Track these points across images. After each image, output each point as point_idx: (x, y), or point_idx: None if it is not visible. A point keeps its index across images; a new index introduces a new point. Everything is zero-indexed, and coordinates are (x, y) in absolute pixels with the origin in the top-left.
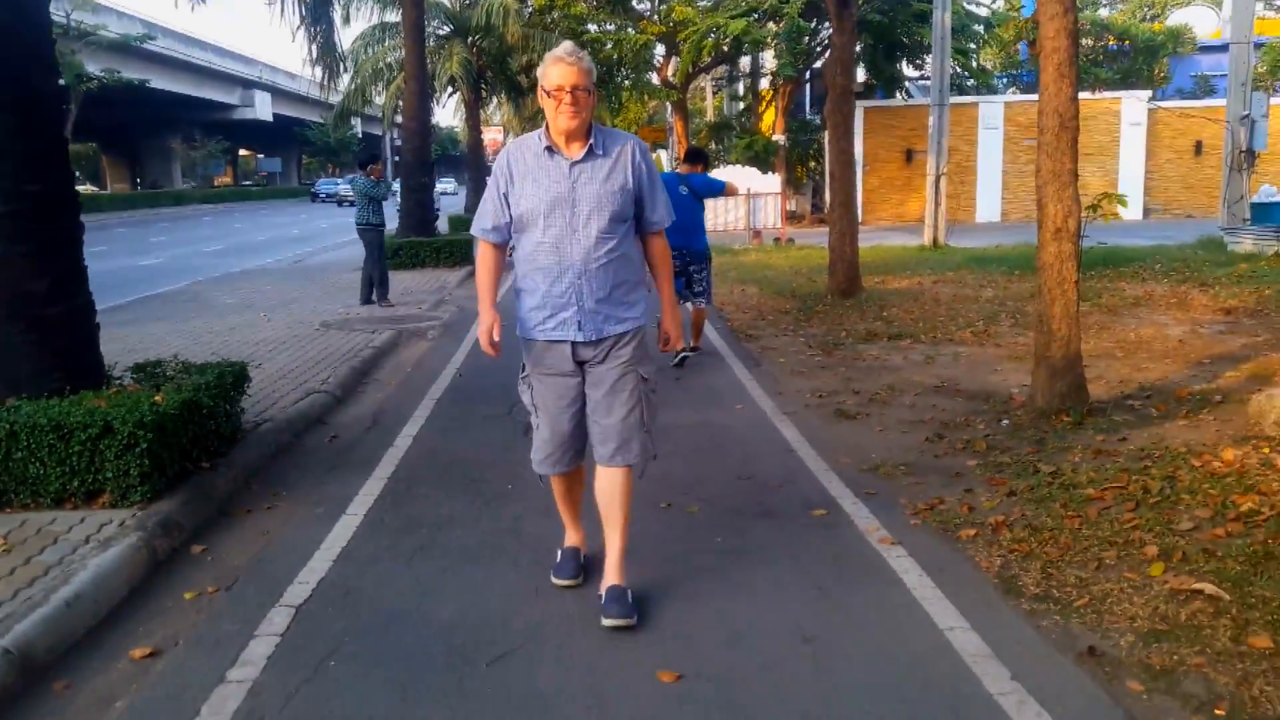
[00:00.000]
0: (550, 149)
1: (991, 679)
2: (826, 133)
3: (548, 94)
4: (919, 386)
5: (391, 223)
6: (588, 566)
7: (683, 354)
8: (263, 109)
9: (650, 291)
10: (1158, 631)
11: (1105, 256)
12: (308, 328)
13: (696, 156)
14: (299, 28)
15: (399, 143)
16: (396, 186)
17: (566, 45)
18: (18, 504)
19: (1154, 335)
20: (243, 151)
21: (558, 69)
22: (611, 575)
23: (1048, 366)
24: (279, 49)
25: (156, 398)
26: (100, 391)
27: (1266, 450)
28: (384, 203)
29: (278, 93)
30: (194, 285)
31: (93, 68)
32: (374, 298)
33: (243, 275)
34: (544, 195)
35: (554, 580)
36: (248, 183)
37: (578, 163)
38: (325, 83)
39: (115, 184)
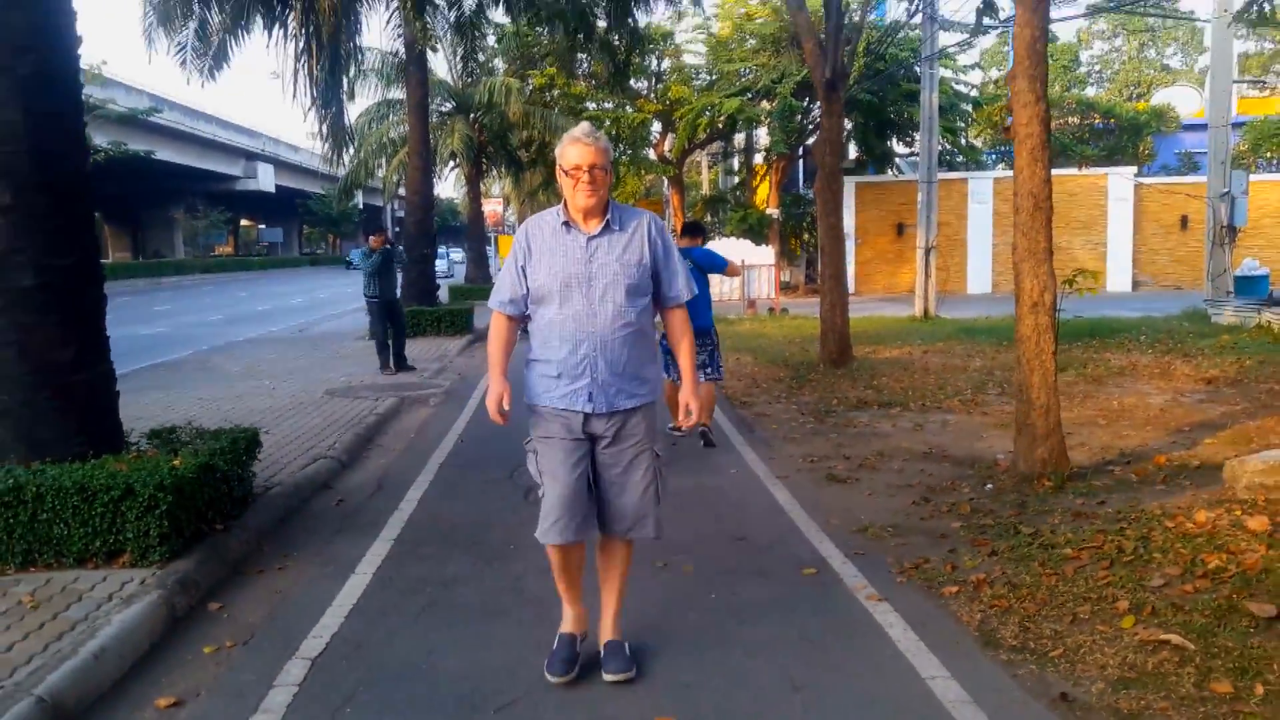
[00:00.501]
0: (567, 224)
1: None
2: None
3: (566, 173)
4: (907, 452)
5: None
6: (584, 655)
7: (701, 430)
8: (265, 180)
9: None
10: (1127, 679)
11: (1092, 327)
12: (313, 395)
13: (695, 230)
14: (310, 109)
15: (400, 214)
16: (356, 257)
17: (584, 126)
18: (42, 563)
19: (1136, 404)
20: (244, 221)
21: (575, 149)
22: (608, 631)
23: (1029, 434)
24: (282, 121)
25: (175, 461)
26: (120, 455)
27: (1238, 512)
28: (378, 273)
29: (280, 164)
30: (199, 354)
31: (100, 140)
32: (389, 364)
33: (247, 344)
34: (560, 270)
35: (547, 675)
36: (239, 252)
37: (594, 237)
38: (334, 159)
39: (117, 253)
